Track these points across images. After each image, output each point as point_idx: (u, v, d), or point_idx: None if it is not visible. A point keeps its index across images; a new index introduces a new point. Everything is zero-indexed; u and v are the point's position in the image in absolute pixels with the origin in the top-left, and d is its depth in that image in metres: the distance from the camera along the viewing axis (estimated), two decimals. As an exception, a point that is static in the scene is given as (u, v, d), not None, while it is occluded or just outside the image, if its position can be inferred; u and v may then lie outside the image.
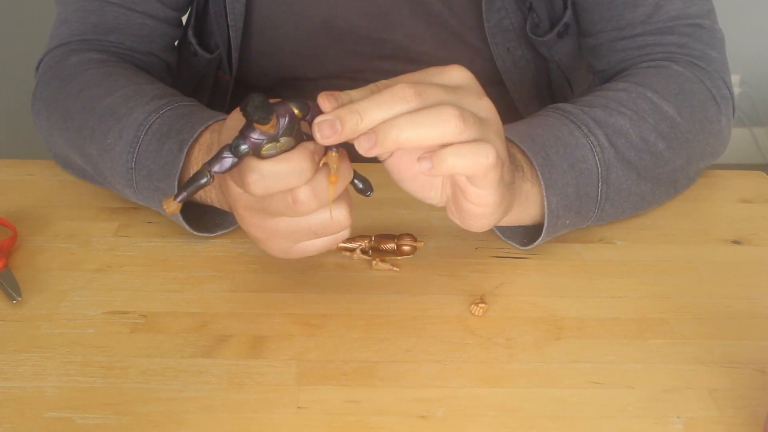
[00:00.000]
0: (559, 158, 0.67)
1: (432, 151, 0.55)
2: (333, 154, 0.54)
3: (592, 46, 0.86)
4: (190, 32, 0.90)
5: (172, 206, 0.55)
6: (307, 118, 0.54)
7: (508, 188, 0.61)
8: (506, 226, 0.72)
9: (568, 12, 0.87)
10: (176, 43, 0.91)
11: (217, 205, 0.69)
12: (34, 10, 2.12)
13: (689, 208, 0.78)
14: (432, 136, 0.54)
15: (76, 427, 0.54)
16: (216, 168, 0.54)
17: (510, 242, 0.71)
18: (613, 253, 0.72)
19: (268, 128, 0.52)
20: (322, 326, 0.63)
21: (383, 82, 0.56)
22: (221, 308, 0.64)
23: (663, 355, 0.61)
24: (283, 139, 0.53)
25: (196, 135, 0.67)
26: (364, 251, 0.70)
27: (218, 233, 0.71)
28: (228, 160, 0.54)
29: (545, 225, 0.67)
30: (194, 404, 0.55)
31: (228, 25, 0.87)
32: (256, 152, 0.53)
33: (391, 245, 0.70)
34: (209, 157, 0.55)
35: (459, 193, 0.59)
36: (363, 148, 0.53)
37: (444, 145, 0.55)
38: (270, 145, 0.53)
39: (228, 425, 0.54)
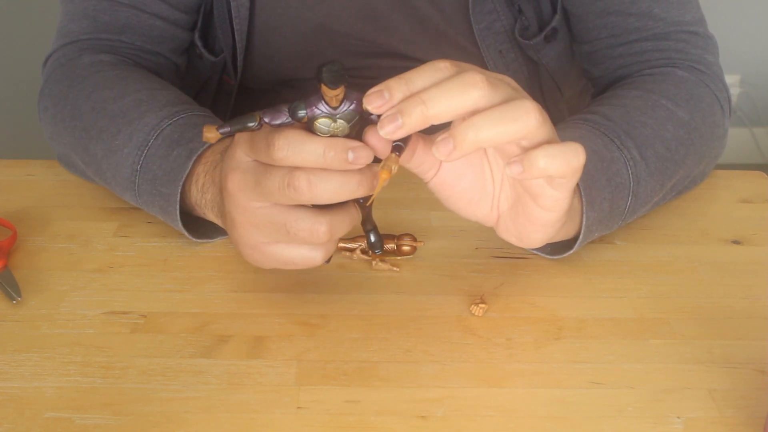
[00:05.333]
0: (598, 173, 0.67)
1: (521, 156, 0.54)
2: (393, 155, 0.53)
3: (588, 53, 0.86)
4: (196, 35, 0.90)
5: (212, 134, 0.53)
6: (372, 116, 0.54)
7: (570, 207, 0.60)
8: None
9: (557, 17, 0.87)
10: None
11: (209, 211, 0.68)
12: (34, 11, 2.12)
13: (689, 208, 0.78)
14: (512, 132, 0.52)
15: (76, 428, 0.54)
16: (267, 118, 0.53)
17: (536, 252, 0.71)
18: (613, 253, 0.72)
19: (332, 99, 0.52)
20: (322, 326, 0.63)
21: (433, 62, 0.54)
22: (221, 308, 0.64)
23: (663, 355, 0.61)
24: (339, 122, 0.53)
25: (207, 145, 0.67)
26: (364, 251, 0.70)
27: (219, 238, 0.71)
28: (282, 117, 0.53)
29: (579, 240, 0.66)
30: (194, 404, 0.55)
31: (233, 29, 0.87)
32: (310, 122, 0.53)
33: (391, 245, 0.70)
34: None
35: (529, 200, 0.58)
36: (442, 154, 0.52)
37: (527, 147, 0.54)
38: (325, 120, 0.53)
39: (228, 425, 0.54)
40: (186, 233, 0.69)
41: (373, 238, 0.61)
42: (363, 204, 0.60)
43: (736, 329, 0.63)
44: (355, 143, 0.54)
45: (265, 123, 0.53)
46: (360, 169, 0.54)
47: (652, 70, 0.80)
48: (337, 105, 0.53)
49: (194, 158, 0.67)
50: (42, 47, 0.89)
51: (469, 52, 0.89)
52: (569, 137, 0.69)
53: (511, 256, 0.71)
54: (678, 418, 0.55)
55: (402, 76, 0.53)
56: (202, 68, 0.93)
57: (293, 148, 0.53)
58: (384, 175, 0.53)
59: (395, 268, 0.69)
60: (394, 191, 0.78)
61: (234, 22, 0.86)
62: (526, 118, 0.52)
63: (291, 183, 0.54)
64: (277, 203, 0.56)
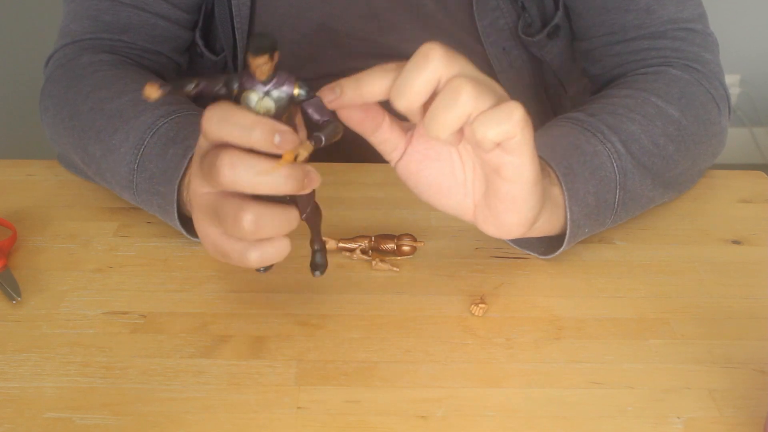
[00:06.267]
0: (580, 167, 0.67)
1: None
2: (307, 142, 0.52)
3: (586, 51, 0.86)
4: (197, 34, 0.90)
5: (154, 92, 0.53)
6: (304, 105, 0.53)
7: (540, 182, 0.59)
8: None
9: (559, 14, 0.87)
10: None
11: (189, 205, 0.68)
12: (34, 11, 2.12)
13: (689, 208, 0.78)
14: (458, 116, 0.53)
15: (76, 428, 0.54)
16: (204, 83, 0.53)
17: (528, 251, 0.71)
18: (613, 253, 0.72)
19: (257, 69, 0.51)
20: (322, 326, 0.63)
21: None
22: (221, 308, 0.64)
23: (663, 355, 0.61)
24: (265, 101, 0.52)
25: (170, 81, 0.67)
26: (364, 251, 0.70)
27: None
28: (218, 85, 0.53)
29: (567, 235, 0.66)
30: (194, 404, 0.55)
31: (234, 28, 0.87)
32: (239, 94, 0.53)
33: (391, 245, 0.70)
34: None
35: (494, 176, 0.58)
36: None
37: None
38: (252, 94, 0.52)
39: (228, 425, 0.54)
40: (184, 232, 0.69)
41: (317, 259, 0.61)
42: (309, 219, 0.59)
43: (736, 329, 0.63)
44: (284, 127, 0.52)
45: (202, 88, 0.53)
46: (290, 164, 0.53)
47: (646, 69, 0.80)
48: (263, 79, 0.52)
49: (189, 156, 0.67)
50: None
51: (472, 50, 0.89)
52: (551, 135, 0.70)
53: (511, 256, 0.71)
54: (678, 418, 0.55)
55: (356, 76, 0.55)
56: (203, 67, 0.93)
57: (221, 119, 0.52)
58: (287, 156, 0.51)
59: (395, 268, 0.69)
60: (394, 191, 0.78)
61: (235, 21, 0.86)
62: (460, 98, 0.53)
63: (214, 162, 0.52)
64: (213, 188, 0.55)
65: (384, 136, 0.59)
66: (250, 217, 0.53)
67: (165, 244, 0.72)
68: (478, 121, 0.53)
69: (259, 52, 0.51)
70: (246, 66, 0.52)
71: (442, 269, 0.69)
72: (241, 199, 0.54)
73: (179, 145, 0.68)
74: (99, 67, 0.79)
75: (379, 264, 0.69)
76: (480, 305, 0.64)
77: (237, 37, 0.88)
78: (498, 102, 0.55)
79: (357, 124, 0.57)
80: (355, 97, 0.55)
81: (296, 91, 0.53)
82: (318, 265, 0.62)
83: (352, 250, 0.70)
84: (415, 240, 0.70)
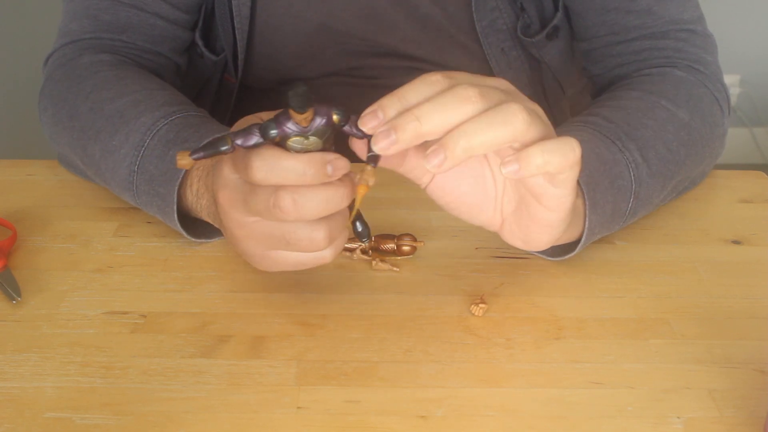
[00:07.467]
0: (601, 176, 0.66)
1: (516, 154, 0.53)
2: (369, 167, 0.53)
3: (587, 51, 0.86)
4: (197, 34, 0.90)
5: (186, 161, 0.54)
6: (345, 128, 0.53)
7: (574, 204, 0.59)
8: None
9: (559, 15, 0.87)
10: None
11: (205, 216, 0.68)
12: (34, 10, 2.12)
13: (689, 208, 0.78)
14: (502, 137, 0.52)
15: (76, 427, 0.54)
16: (239, 141, 0.53)
17: (536, 253, 0.70)
18: (613, 253, 0.72)
19: (302, 120, 0.52)
20: (322, 326, 0.63)
21: (426, 76, 0.54)
22: (221, 308, 0.64)
23: (663, 355, 0.61)
24: (312, 138, 0.53)
25: (202, 145, 0.67)
26: (364, 251, 0.70)
27: (217, 239, 0.71)
28: (254, 138, 0.53)
29: (582, 242, 0.66)
30: (194, 404, 0.55)
31: (234, 28, 0.87)
32: (283, 141, 0.53)
33: (391, 245, 0.70)
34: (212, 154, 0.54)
35: (532, 201, 0.58)
36: (433, 166, 0.52)
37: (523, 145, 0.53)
38: (298, 138, 0.53)
39: (228, 425, 0.54)
40: (184, 233, 0.69)
41: (359, 227, 0.60)
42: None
43: (736, 329, 0.63)
44: (332, 156, 0.53)
45: (238, 146, 0.53)
46: (342, 182, 0.54)
47: (650, 70, 0.80)
48: (307, 125, 0.52)
49: None
50: (42, 47, 0.89)
51: (471, 50, 0.89)
52: None
53: (511, 256, 0.71)
54: (678, 418, 0.55)
55: (395, 92, 0.53)
56: (203, 67, 0.93)
57: (271, 168, 0.52)
58: (362, 190, 0.53)
59: (395, 268, 0.69)
60: (394, 191, 0.78)
61: (235, 21, 0.86)
62: (514, 120, 0.52)
63: (276, 204, 0.53)
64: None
65: (411, 165, 0.59)
66: (323, 235, 0.55)
67: (165, 244, 0.72)
68: (540, 148, 0.52)
69: (304, 109, 0.51)
70: (283, 114, 0.52)
71: (442, 269, 0.69)
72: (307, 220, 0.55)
73: (179, 147, 0.68)
74: (100, 67, 0.79)
75: (379, 264, 0.69)
76: (480, 305, 0.64)
77: (237, 37, 0.88)
78: (548, 131, 0.54)
79: (384, 161, 0.56)
80: (417, 139, 0.52)
81: (335, 118, 0.53)
82: (363, 232, 0.60)
83: (352, 250, 0.70)
84: (415, 240, 0.70)
